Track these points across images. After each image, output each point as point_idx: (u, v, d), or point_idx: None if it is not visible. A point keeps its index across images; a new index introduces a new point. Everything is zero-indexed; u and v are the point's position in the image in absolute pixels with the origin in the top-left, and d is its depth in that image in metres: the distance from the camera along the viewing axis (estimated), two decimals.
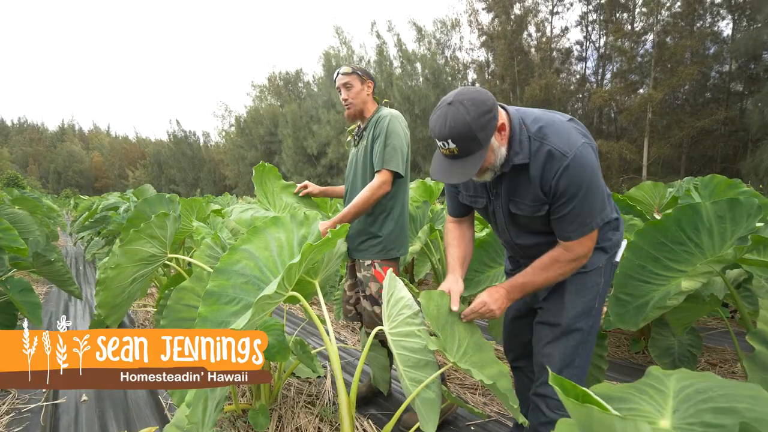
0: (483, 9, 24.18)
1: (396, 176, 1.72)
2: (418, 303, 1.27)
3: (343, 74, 1.79)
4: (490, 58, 25.71)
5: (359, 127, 1.92)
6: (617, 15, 22.30)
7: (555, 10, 23.75)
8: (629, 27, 21.69)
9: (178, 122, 68.98)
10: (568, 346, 1.23)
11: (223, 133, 43.26)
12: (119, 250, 1.50)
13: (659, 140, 20.17)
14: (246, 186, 37.20)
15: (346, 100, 1.80)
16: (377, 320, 1.82)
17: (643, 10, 20.95)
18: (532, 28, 23.81)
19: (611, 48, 21.96)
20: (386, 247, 1.78)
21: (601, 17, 23.33)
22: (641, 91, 21.22)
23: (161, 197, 1.97)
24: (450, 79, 27.44)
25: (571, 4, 23.87)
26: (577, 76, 25.01)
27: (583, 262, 1.17)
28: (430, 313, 1.24)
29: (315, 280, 1.44)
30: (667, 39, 20.06)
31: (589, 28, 24.09)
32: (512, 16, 23.29)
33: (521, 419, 1.14)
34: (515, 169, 1.11)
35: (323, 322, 1.45)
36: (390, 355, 2.06)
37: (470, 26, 26.32)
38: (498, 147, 1.07)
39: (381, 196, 1.70)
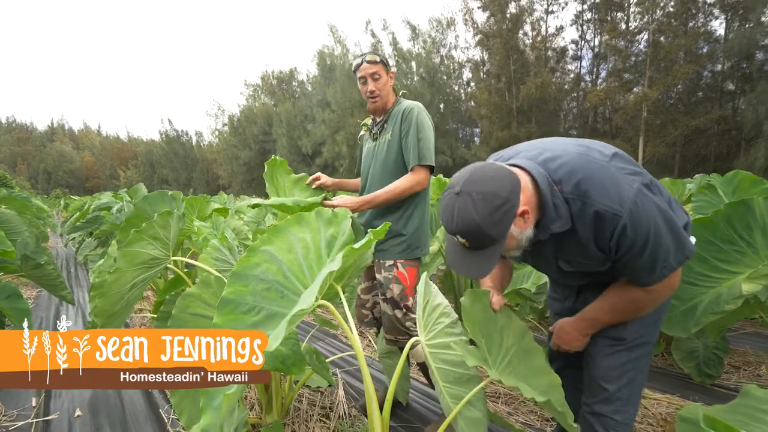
0: (478, 8, 24.15)
1: (429, 170, 1.63)
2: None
3: (370, 62, 1.64)
4: (486, 57, 25.68)
5: (375, 119, 1.80)
6: (612, 14, 22.35)
7: (550, 9, 23.80)
8: (624, 26, 21.77)
9: (170, 121, 68.35)
10: (631, 361, 1.09)
11: (216, 133, 42.87)
12: (118, 253, 1.35)
13: (654, 139, 20.26)
14: (240, 186, 36.86)
15: (372, 92, 1.65)
16: (399, 326, 1.69)
17: (638, 9, 21.04)
18: (527, 27, 23.84)
19: (606, 47, 22.01)
20: (410, 246, 1.67)
21: (596, 16, 23.40)
22: (636, 90, 21.30)
23: (163, 194, 1.81)
24: (445, 78, 27.38)
25: (566, 3, 23.92)
26: (572, 75, 25.09)
27: (669, 296, 1.01)
28: (474, 316, 1.10)
29: (339, 284, 1.30)
30: (661, 38, 20.16)
31: (584, 27, 24.17)
32: (508, 15, 23.26)
33: None
34: (555, 237, 0.95)
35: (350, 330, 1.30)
36: (409, 362, 1.93)
37: (466, 25, 26.28)
38: (521, 232, 0.91)
39: (415, 192, 1.61)
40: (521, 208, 0.88)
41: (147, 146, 52.73)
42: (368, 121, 1.86)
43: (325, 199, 1.67)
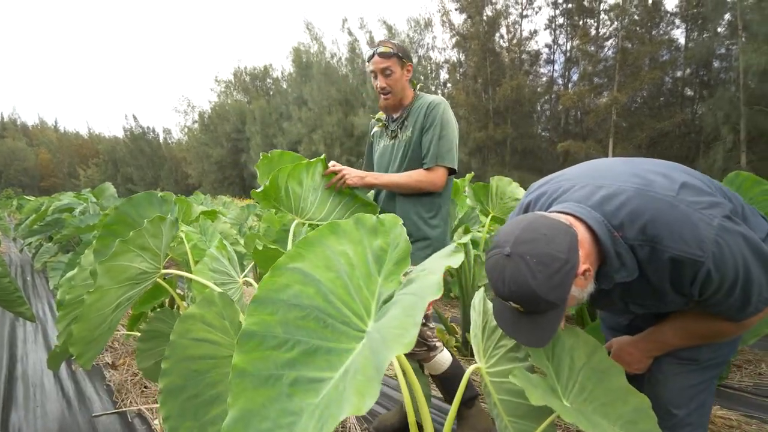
0: (456, 9, 24.32)
1: (450, 173, 1.54)
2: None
3: (382, 56, 1.49)
4: (462, 59, 25.91)
5: (390, 116, 1.64)
6: (583, 20, 23.04)
7: (525, 14, 24.27)
8: (594, 32, 22.49)
9: (135, 118, 65.29)
10: (703, 383, 0.97)
11: (186, 130, 41.24)
12: (99, 268, 1.10)
13: (623, 141, 21.02)
14: (211, 185, 35.65)
15: (384, 89, 1.52)
16: (423, 340, 1.52)
17: (607, 16, 21.80)
18: (503, 30, 24.21)
19: (578, 51, 22.66)
20: (435, 250, 1.50)
21: (568, 22, 24.05)
22: (606, 93, 22.03)
23: (151, 196, 1.54)
24: (423, 78, 27.41)
25: (540, 8, 24.49)
26: (545, 78, 25.71)
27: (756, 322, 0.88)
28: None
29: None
30: (628, 45, 20.96)
31: (557, 32, 24.79)
32: (485, 18, 23.55)
33: None
34: (621, 284, 0.85)
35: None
36: (428, 382, 1.76)
37: (443, 26, 26.42)
38: (581, 291, 0.82)
39: (426, 191, 1.52)
40: (582, 268, 0.78)
41: (110, 143, 50.06)
42: (382, 116, 1.70)
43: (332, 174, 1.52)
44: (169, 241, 1.36)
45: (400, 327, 0.59)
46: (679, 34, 21.93)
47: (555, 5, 23.73)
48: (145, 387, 2.32)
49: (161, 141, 48.09)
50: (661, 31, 21.43)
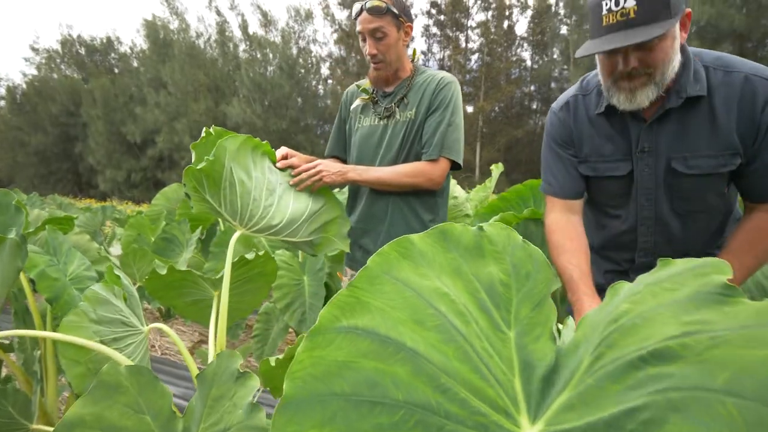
0: (338, 4, 23.92)
1: (454, 168, 1.29)
2: None
3: (372, 12, 1.16)
4: (344, 55, 25.70)
5: (381, 89, 1.31)
6: (455, 33, 25.19)
7: None
8: (464, 45, 24.82)
9: None
10: None
11: None
12: None
13: (488, 145, 23.74)
14: (30, 181, 28.13)
15: (374, 56, 1.21)
16: None
17: (473, 33, 24.31)
18: None
19: (450, 61, 24.67)
20: None
21: (441, 32, 25.98)
22: (473, 102, 24.55)
23: None
24: (303, 71, 26.33)
25: (416, 16, 25.83)
26: None
27: None
28: None
29: None
30: (490, 60, 23.81)
31: (431, 41, 26.54)
32: None
33: None
34: (684, 110, 0.83)
35: None
36: None
37: (325, 19, 25.78)
38: (676, 48, 0.79)
39: (423, 187, 1.24)
40: (687, 9, 0.79)
41: None
42: (368, 86, 1.34)
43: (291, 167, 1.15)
44: (14, 275, 0.53)
45: None
46: (527, 56, 25.66)
47: (429, 15, 25.36)
48: None
49: None
50: (514, 52, 24.90)
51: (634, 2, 0.72)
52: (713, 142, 0.82)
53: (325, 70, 27.73)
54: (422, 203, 1.28)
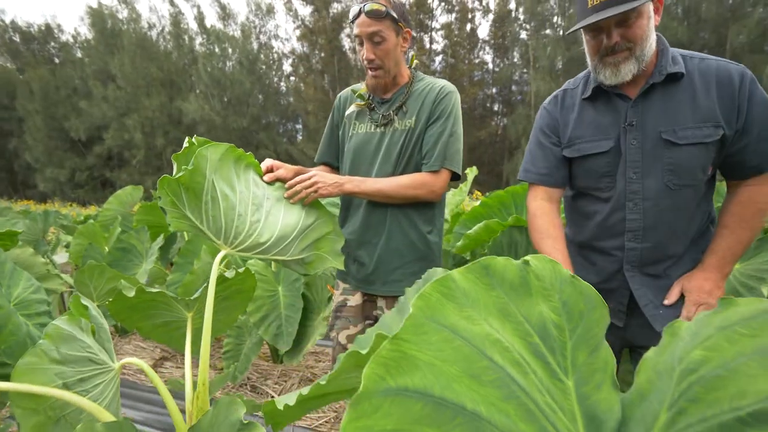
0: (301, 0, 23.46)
1: (453, 178, 1.27)
2: None
3: (370, 16, 1.12)
4: (307, 51, 25.22)
5: (379, 96, 1.27)
6: (419, 33, 25.38)
7: None
8: (428, 45, 25.09)
9: None
10: None
11: None
12: None
13: None
14: None
15: (371, 61, 1.17)
16: None
17: (437, 34, 24.64)
18: (348, 30, 24.56)
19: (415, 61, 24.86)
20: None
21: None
22: None
23: None
24: (264, 67, 25.60)
25: None
26: None
27: None
28: None
29: None
30: (453, 62, 24.24)
31: None
32: (331, 14, 23.45)
33: None
34: (665, 86, 0.92)
35: None
36: None
37: (287, 15, 25.17)
38: (652, 27, 0.90)
39: (424, 199, 1.22)
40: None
41: None
42: (364, 91, 1.30)
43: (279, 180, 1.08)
44: None
45: None
46: (489, 59, 26.37)
47: None
48: None
49: None
50: (477, 55, 25.51)
51: None
52: (697, 114, 0.89)
53: (287, 67, 27.13)
54: (420, 215, 1.24)
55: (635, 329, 1.02)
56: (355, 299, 1.33)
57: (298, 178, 1.04)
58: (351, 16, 1.18)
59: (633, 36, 0.87)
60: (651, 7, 0.89)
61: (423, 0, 23.93)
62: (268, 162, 1.06)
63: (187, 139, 0.91)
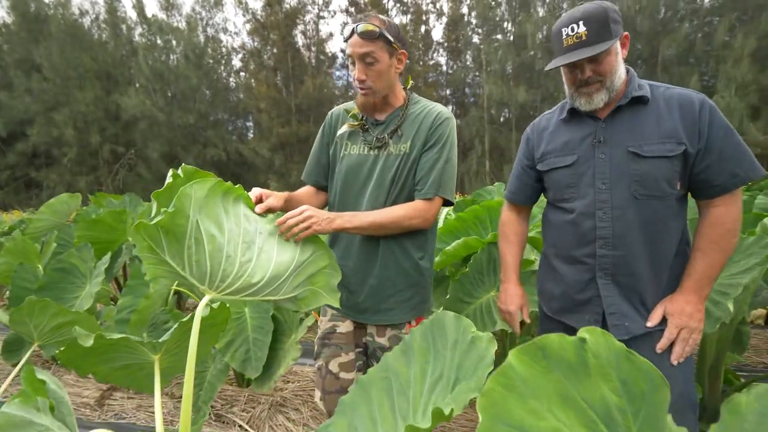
0: None
1: (445, 204, 1.25)
2: None
3: (363, 36, 1.10)
4: (258, 47, 24.32)
5: (371, 117, 1.24)
6: None
7: (321, 14, 24.78)
8: None
9: None
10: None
11: None
12: None
13: None
14: None
15: (363, 81, 1.15)
16: None
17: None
18: (302, 27, 24.03)
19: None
20: (424, 298, 1.28)
21: None
22: None
23: None
24: (212, 62, 24.36)
25: (335, 13, 25.50)
26: (341, 82, 27.08)
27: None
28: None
29: None
30: (408, 62, 24.53)
31: None
32: (285, 9, 22.77)
33: None
34: (632, 108, 1.03)
35: None
36: None
37: (237, 8, 24.12)
38: (620, 60, 1.02)
39: (418, 227, 1.20)
40: (624, 34, 1.03)
41: None
42: (357, 111, 1.27)
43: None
44: None
45: None
46: (443, 61, 26.91)
47: (347, 13, 25.19)
48: None
49: None
50: (431, 56, 25.94)
51: (585, 28, 0.96)
52: (661, 132, 0.99)
53: (237, 62, 26.01)
54: (413, 242, 1.22)
55: None
56: (345, 326, 1.28)
57: (289, 214, 0.97)
58: (344, 35, 1.14)
59: (603, 71, 1.00)
60: (618, 44, 1.01)
61: (378, 0, 23.94)
62: (256, 191, 1.01)
63: (170, 172, 0.79)
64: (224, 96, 25.49)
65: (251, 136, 26.26)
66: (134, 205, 4.12)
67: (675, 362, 0.99)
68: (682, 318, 0.98)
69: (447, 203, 1.22)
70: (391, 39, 1.13)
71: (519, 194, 1.26)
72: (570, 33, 0.98)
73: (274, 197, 1.03)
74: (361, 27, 1.09)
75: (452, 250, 1.84)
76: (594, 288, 1.06)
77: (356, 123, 1.25)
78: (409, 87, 1.29)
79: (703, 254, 0.99)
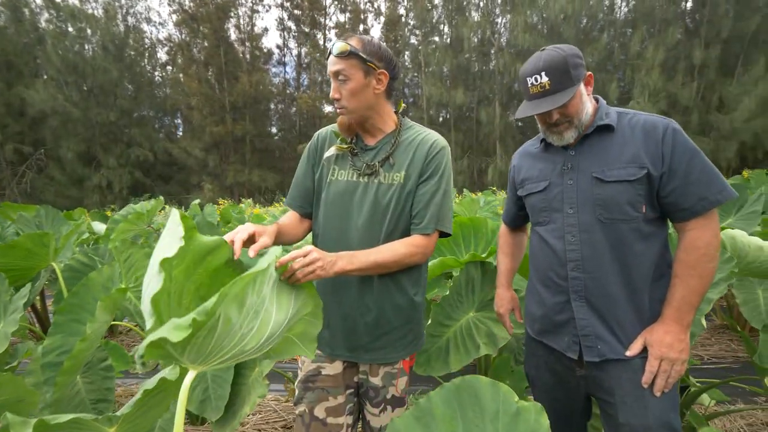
0: None
1: (441, 236, 1.20)
2: None
3: (337, 55, 1.08)
4: (187, 39, 22.64)
5: (361, 141, 1.19)
6: (312, 30, 24.77)
7: (255, 8, 23.66)
8: (323, 44, 24.65)
9: None
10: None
11: None
12: None
13: None
14: None
15: (337, 100, 1.11)
16: None
17: (332, 32, 24.35)
18: (235, 20, 22.77)
19: (309, 59, 24.23)
20: (418, 334, 1.24)
21: (297, 28, 25.25)
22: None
23: None
24: (134, 54, 22.28)
25: (270, 7, 24.52)
26: (278, 79, 26.13)
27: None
28: None
29: None
30: None
31: (287, 35, 25.55)
32: (217, 1, 21.38)
33: None
34: (599, 136, 1.08)
35: None
36: None
37: None
38: (585, 99, 1.06)
39: (418, 263, 1.15)
40: (588, 73, 1.07)
41: None
42: (342, 136, 1.20)
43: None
44: None
45: None
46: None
47: (283, 7, 24.37)
48: None
49: None
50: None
51: (548, 79, 1.01)
52: (624, 157, 1.03)
53: (162, 55, 24.04)
54: (409, 278, 1.17)
55: (592, 369, 1.06)
56: (333, 368, 1.18)
57: (293, 254, 0.85)
58: (326, 55, 1.13)
59: (569, 113, 1.05)
60: (582, 85, 1.06)
61: None
62: (249, 229, 0.92)
63: (180, 228, 0.63)
64: (149, 91, 23.42)
65: (181, 134, 24.47)
66: (52, 220, 3.60)
67: (658, 394, 0.99)
68: (661, 348, 0.98)
69: (443, 235, 1.18)
70: (365, 57, 1.07)
71: (509, 217, 1.40)
72: (534, 83, 1.03)
73: (267, 234, 0.96)
74: (337, 46, 1.07)
75: (429, 268, 1.80)
76: (570, 310, 1.06)
77: (345, 146, 1.18)
78: (400, 111, 1.22)
79: (680, 281, 0.99)
